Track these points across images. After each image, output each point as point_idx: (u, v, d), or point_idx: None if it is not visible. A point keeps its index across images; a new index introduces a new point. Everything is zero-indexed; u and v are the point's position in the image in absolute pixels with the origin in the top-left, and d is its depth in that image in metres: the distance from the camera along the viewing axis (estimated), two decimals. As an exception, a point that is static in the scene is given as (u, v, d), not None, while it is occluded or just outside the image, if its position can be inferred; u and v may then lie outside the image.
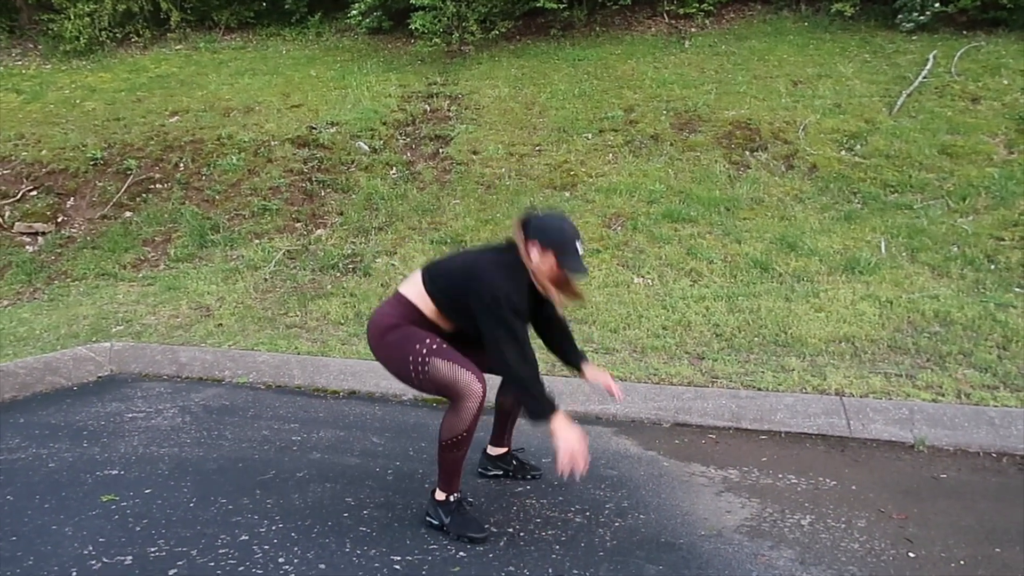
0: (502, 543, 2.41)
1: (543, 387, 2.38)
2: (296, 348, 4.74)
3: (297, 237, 6.69)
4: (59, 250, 6.91)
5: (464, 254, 2.62)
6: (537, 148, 7.47)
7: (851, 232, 5.88)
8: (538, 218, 2.45)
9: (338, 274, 6.08)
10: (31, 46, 11.28)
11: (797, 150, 6.96)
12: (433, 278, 2.52)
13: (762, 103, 7.67)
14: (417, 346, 2.42)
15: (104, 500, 2.69)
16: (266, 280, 6.05)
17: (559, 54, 9.35)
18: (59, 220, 7.25)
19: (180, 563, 2.25)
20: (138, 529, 2.47)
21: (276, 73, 9.54)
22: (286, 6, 10.76)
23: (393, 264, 6.08)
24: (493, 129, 7.82)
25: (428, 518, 2.55)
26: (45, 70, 10.27)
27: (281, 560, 2.27)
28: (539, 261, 2.40)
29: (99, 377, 4.48)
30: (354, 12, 9.85)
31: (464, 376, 2.38)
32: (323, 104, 8.54)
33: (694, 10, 9.59)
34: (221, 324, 5.31)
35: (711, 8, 9.62)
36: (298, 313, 5.45)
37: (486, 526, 2.51)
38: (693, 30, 9.66)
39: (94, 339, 5.11)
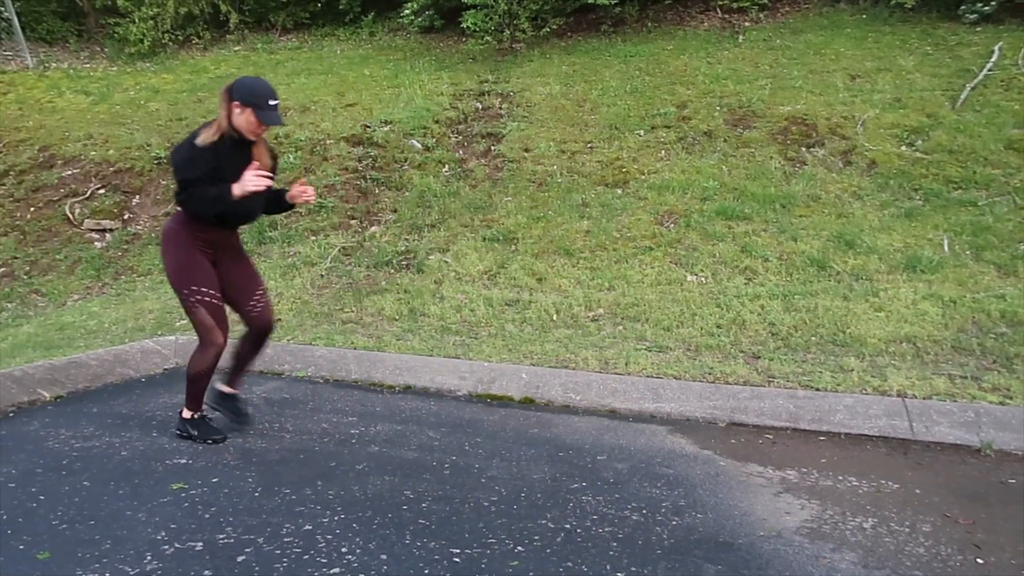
0: (559, 539, 2.43)
1: (217, 192, 2.93)
2: (352, 343, 4.83)
3: (352, 234, 6.80)
4: (125, 246, 7.15)
5: None
6: (589, 145, 7.46)
7: (912, 230, 5.74)
8: (238, 81, 2.97)
9: (392, 271, 6.17)
10: (98, 49, 11.68)
11: (855, 146, 6.81)
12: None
13: (819, 98, 7.52)
14: (193, 287, 3.09)
15: (174, 488, 2.80)
16: (322, 276, 6.17)
17: (610, 51, 9.31)
18: (125, 217, 7.51)
19: (248, 550, 2.33)
20: (207, 516, 2.56)
21: (331, 73, 9.71)
22: (340, 6, 10.93)
23: (446, 261, 6.15)
24: (544, 126, 7.83)
25: (178, 432, 3.35)
26: (111, 72, 10.63)
27: (344, 550, 2.33)
28: (239, 116, 2.93)
29: (165, 369, 4.63)
30: (407, 11, 9.96)
31: (215, 331, 3.16)
32: (377, 103, 8.66)
33: (748, 4, 9.45)
34: (280, 319, 5.43)
35: (765, 2, 9.47)
36: (354, 309, 5.55)
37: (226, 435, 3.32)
38: (747, 24, 9.51)
39: (159, 332, 5.28)
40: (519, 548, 2.37)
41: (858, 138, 6.89)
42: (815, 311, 4.84)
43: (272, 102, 2.95)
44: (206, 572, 2.19)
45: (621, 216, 6.41)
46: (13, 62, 10.91)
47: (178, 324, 5.49)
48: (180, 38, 11.11)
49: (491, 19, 9.25)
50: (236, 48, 11.01)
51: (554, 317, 5.20)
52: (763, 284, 5.36)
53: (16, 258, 7.16)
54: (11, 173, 8.14)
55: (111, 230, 7.35)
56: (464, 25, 9.37)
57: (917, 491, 2.82)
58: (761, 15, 9.58)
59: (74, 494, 2.74)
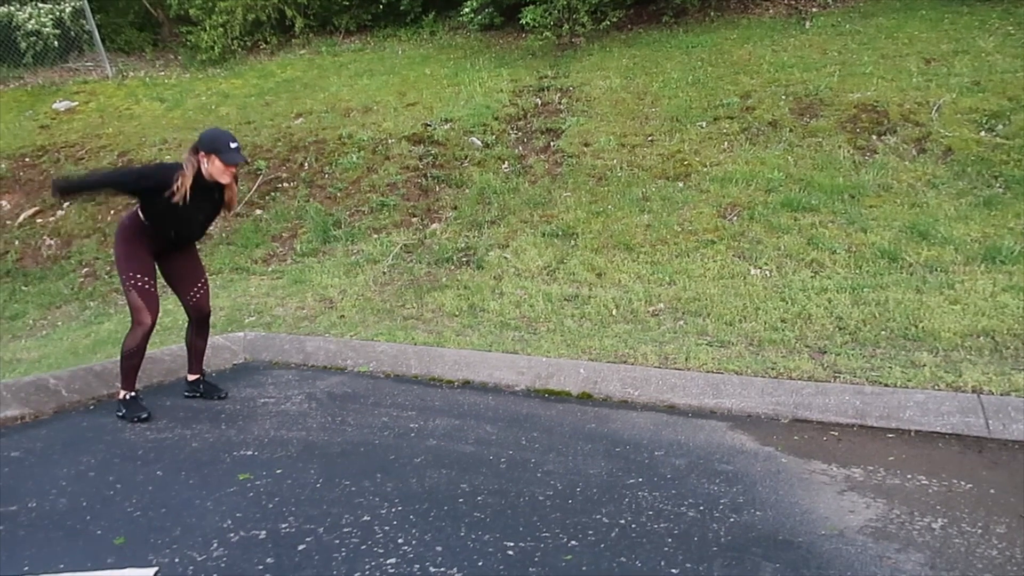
0: (614, 534, 2.42)
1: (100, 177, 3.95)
2: (413, 339, 4.90)
3: (413, 231, 6.89)
4: (199, 247, 7.40)
5: None
6: (649, 138, 7.37)
7: (991, 219, 5.48)
8: (200, 136, 3.42)
9: (452, 267, 6.23)
10: (172, 57, 12.15)
11: (930, 132, 6.54)
12: None
13: (891, 84, 7.25)
14: (131, 272, 3.52)
15: (240, 478, 2.90)
16: (384, 273, 6.28)
17: (672, 42, 9.17)
18: (198, 218, 7.78)
19: (308, 539, 2.39)
20: (270, 506, 2.64)
21: (393, 73, 9.85)
22: (401, 7, 11.07)
23: (505, 257, 6.17)
24: (604, 120, 7.78)
25: (117, 413, 3.67)
26: (184, 79, 11.03)
27: (400, 541, 2.37)
28: (208, 165, 3.34)
29: (234, 364, 4.79)
30: (466, 9, 10.01)
31: (144, 312, 3.54)
32: (437, 101, 8.75)
33: (816, -11, 9.16)
34: (343, 316, 5.56)
35: (834, -14, 9.16)
36: (415, 305, 5.63)
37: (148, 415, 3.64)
38: (814, 10, 9.23)
39: (229, 329, 5.47)
40: (573, 542, 2.36)
41: (933, 124, 6.62)
42: (885, 304, 4.68)
43: (232, 145, 3.36)
44: (268, 560, 2.27)
45: (682, 209, 6.31)
46: (94, 72, 11.44)
47: (247, 321, 5.67)
48: (249, 44, 11.44)
49: (550, 14, 9.23)
50: (301, 52, 11.28)
51: (613, 312, 5.16)
52: (830, 277, 5.21)
53: (98, 258, 7.51)
54: (93, 178, 8.53)
55: (185, 231, 7.63)
56: (523, 21, 9.37)
57: (992, 491, 2.70)
58: (829, 0, 9.28)
59: (148, 483, 2.86)
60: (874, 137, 6.70)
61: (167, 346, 4.88)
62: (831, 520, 2.51)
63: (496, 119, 8.17)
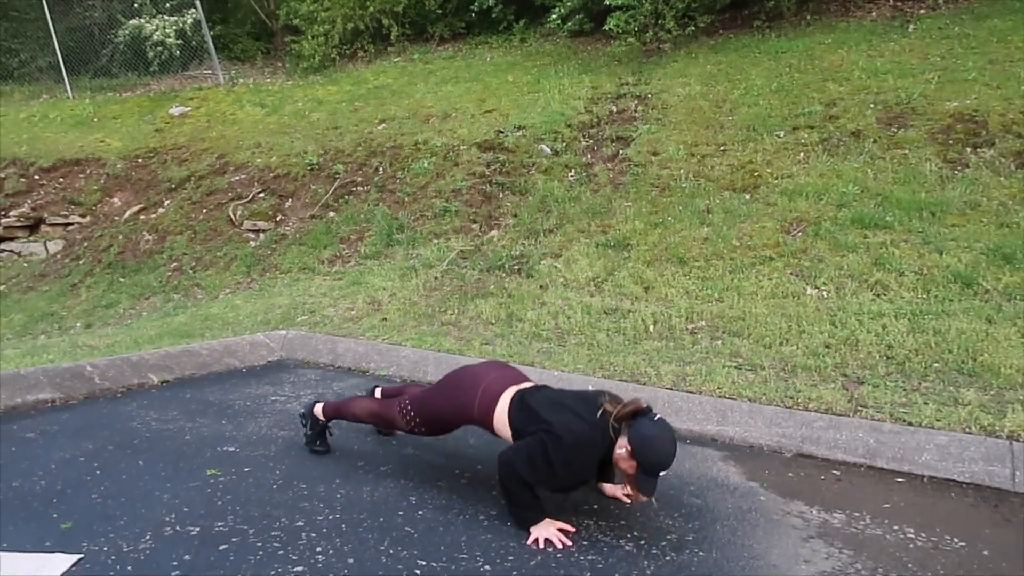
0: (533, 562, 2.30)
1: (530, 503, 2.52)
2: (439, 345, 4.90)
3: (472, 238, 6.91)
4: (274, 246, 7.76)
5: (556, 399, 2.66)
6: (721, 148, 7.05)
7: (1091, 243, 4.87)
8: (647, 426, 2.46)
9: (503, 274, 6.19)
10: (280, 65, 12.80)
11: (1033, 145, 5.90)
12: (517, 412, 2.62)
13: (995, 92, 6.59)
14: (424, 418, 2.84)
15: (208, 473, 2.98)
16: (436, 278, 6.33)
17: (761, 47, 8.74)
18: (278, 219, 8.15)
19: (234, 539, 2.42)
20: (219, 504, 2.69)
21: (476, 80, 9.94)
22: (494, 15, 11.16)
23: (556, 267, 6.07)
24: (677, 129, 7.52)
25: (303, 424, 3.30)
26: (286, 86, 11.60)
27: (318, 550, 2.36)
28: (623, 458, 2.46)
29: (268, 362, 4.96)
30: (553, 16, 9.97)
31: (376, 418, 3.10)
32: (515, 108, 8.75)
33: (925, -11, 8.48)
34: (386, 319, 5.64)
35: (946, -15, 8.45)
36: (456, 311, 5.64)
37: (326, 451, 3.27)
38: (922, 12, 8.55)
39: (280, 326, 5.67)
40: (486, 567, 2.27)
41: (1038, 136, 5.97)
42: (945, 334, 4.25)
43: (661, 472, 2.49)
44: (186, 557, 2.31)
45: (744, 223, 5.99)
46: (210, 79, 12.24)
47: (299, 319, 5.86)
48: (348, 52, 11.88)
49: (635, 20, 9.03)
50: (396, 59, 11.59)
51: (650, 328, 4.96)
52: (892, 301, 4.79)
53: (186, 254, 8.00)
54: (192, 178, 9.12)
55: (264, 231, 8.02)
56: (607, 27, 9.22)
57: (985, 552, 2.38)
58: (939, 1, 8.57)
59: (124, 472, 2.99)
60: (968, 149, 6.12)
61: (207, 341, 5.12)
62: (779, 568, 2.29)
63: (569, 126, 8.07)
